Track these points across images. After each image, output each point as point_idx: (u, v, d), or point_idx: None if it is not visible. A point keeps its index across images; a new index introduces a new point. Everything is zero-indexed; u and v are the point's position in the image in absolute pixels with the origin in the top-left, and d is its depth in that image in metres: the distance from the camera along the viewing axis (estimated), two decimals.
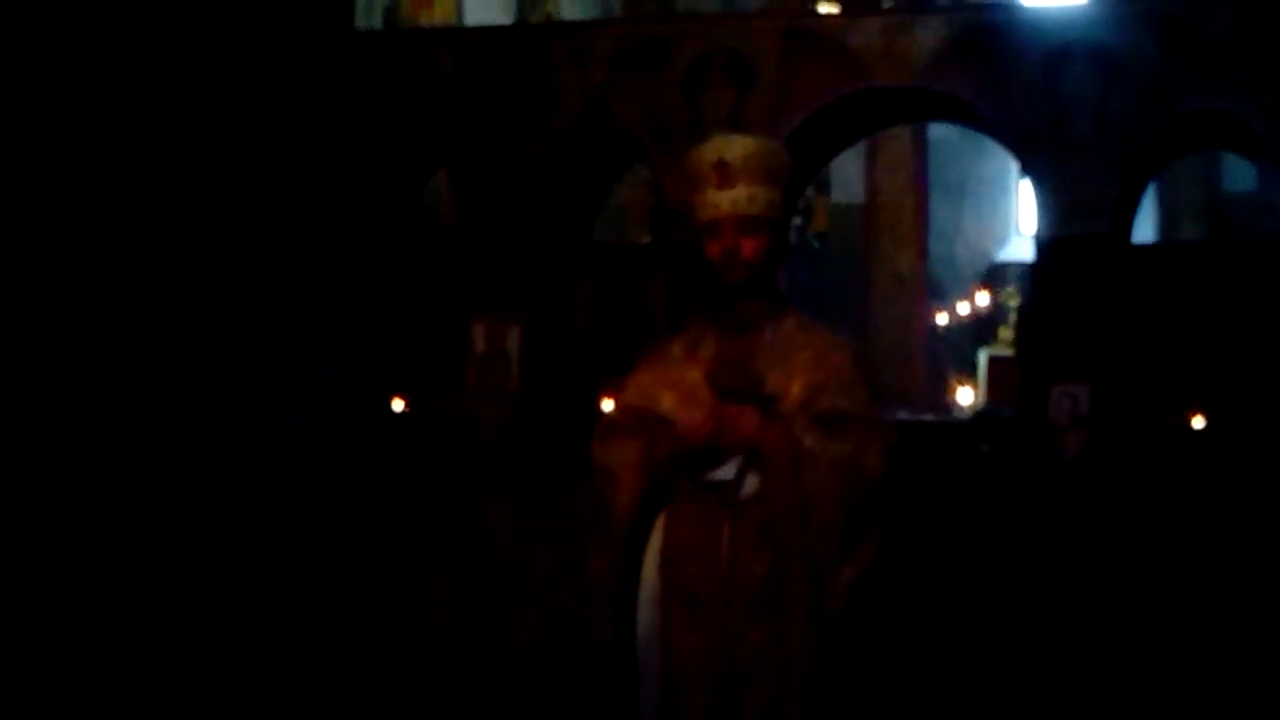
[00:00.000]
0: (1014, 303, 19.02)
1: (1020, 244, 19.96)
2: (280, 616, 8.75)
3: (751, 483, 3.09)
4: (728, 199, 3.17)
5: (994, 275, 21.45)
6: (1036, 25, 10.32)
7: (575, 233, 11.77)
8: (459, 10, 15.78)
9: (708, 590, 3.07)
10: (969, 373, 19.00)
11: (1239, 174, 18.33)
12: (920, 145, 20.45)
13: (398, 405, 12.30)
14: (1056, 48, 10.17)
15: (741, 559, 3.07)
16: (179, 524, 9.05)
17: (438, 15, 15.33)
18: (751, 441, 3.07)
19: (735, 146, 3.21)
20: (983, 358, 18.96)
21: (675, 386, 3.20)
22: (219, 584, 8.67)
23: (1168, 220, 19.72)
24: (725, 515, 3.08)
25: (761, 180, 3.18)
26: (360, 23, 12.74)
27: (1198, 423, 9.48)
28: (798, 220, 20.13)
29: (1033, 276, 10.56)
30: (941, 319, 20.96)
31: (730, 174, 3.16)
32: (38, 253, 9.34)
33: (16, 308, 9.18)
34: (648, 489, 3.15)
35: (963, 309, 21.10)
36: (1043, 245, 10.16)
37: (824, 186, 20.82)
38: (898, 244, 20.49)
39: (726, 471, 3.10)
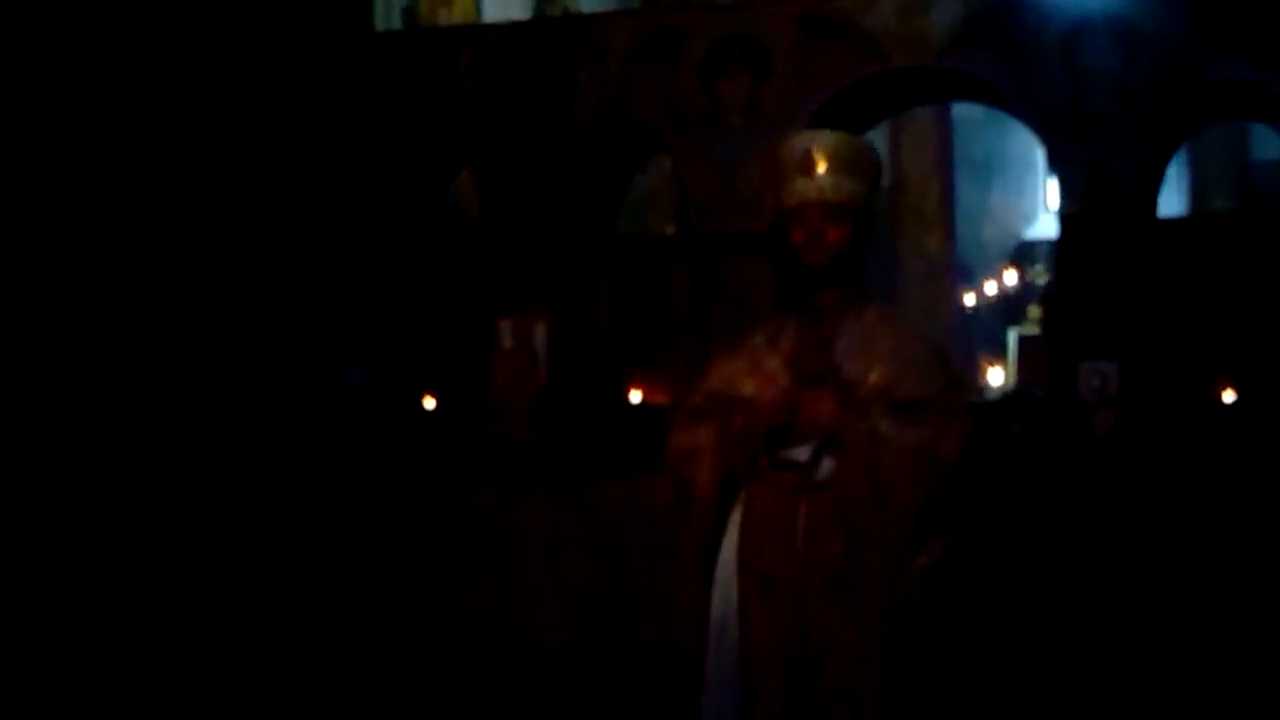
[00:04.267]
0: (1043, 281, 18.94)
1: (1049, 221, 19.84)
2: (312, 615, 8.81)
3: (827, 466, 3.13)
4: (814, 186, 3.24)
5: (1023, 254, 21.33)
6: (1054, 0, 10.24)
7: (598, 226, 11.77)
8: (478, 7, 15.82)
9: (783, 571, 3.11)
10: (999, 353, 18.93)
11: (1268, 142, 18.13)
12: (944, 125, 20.34)
13: (429, 404, 12.36)
14: (1075, 22, 10.09)
15: (817, 541, 3.11)
16: (214, 528, 9.11)
17: (456, 14, 15.38)
18: (828, 425, 3.11)
19: (823, 138, 3.30)
20: (1012, 337, 18.88)
21: (755, 373, 3.25)
22: (251, 584, 8.74)
23: (1197, 191, 19.55)
24: (801, 498, 3.12)
25: (847, 170, 3.26)
26: (379, 24, 12.77)
27: (1228, 396, 9.42)
28: None
29: (1057, 253, 10.49)
30: (970, 299, 20.87)
31: (817, 163, 3.22)
32: (65, 259, 9.41)
33: (43, 313, 9.26)
34: (725, 467, 3.19)
35: (991, 289, 21.00)
36: (1066, 222, 10.09)
37: None
38: (924, 225, 20.40)
39: (802, 452, 3.13)
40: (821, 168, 3.22)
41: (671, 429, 3.32)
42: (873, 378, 3.16)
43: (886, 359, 3.18)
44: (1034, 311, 18.98)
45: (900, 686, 3.05)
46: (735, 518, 3.23)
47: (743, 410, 3.18)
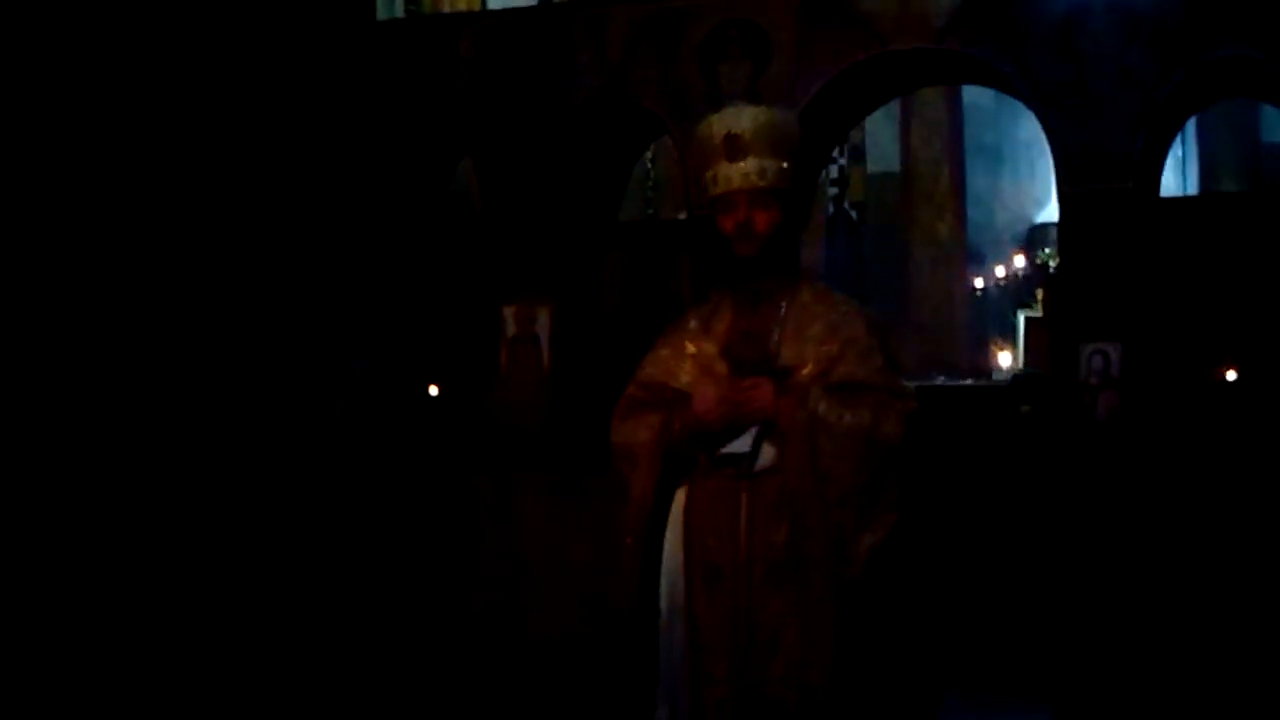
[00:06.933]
0: (1053, 264, 18.91)
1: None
2: (317, 603, 8.85)
3: (768, 454, 3.13)
4: (739, 172, 3.20)
5: (1034, 238, 21.33)
6: None
7: (602, 212, 11.78)
8: None
9: (727, 561, 3.12)
10: (1009, 336, 18.94)
11: (1278, 124, 18.04)
12: (955, 110, 20.29)
13: (434, 391, 12.38)
14: (1075, 2, 10.05)
15: (760, 530, 3.11)
16: (219, 520, 9.15)
17: (460, 1, 15.36)
18: (767, 413, 3.10)
19: (745, 118, 3.23)
20: (1021, 320, 18.89)
21: (692, 360, 3.24)
22: (254, 573, 8.78)
23: (1207, 173, 19.47)
24: (743, 487, 3.12)
25: (772, 152, 3.21)
26: (381, 12, 12.78)
27: (1230, 376, 9.37)
28: (834, 190, 20.03)
29: (1060, 235, 10.46)
30: (981, 283, 20.89)
31: (741, 146, 3.19)
32: (67, 252, 9.45)
33: (46, 306, 9.30)
34: (665, 466, 3.19)
35: (1002, 272, 21.01)
36: (1067, 202, 10.05)
37: (859, 156, 20.71)
38: (935, 211, 20.36)
39: (742, 443, 3.13)
40: (746, 151, 3.17)
41: (611, 420, 3.31)
42: (809, 362, 3.15)
43: (822, 341, 3.16)
44: (1043, 294, 18.96)
45: (849, 671, 3.05)
46: (678, 510, 3.23)
47: (682, 411, 3.17)
